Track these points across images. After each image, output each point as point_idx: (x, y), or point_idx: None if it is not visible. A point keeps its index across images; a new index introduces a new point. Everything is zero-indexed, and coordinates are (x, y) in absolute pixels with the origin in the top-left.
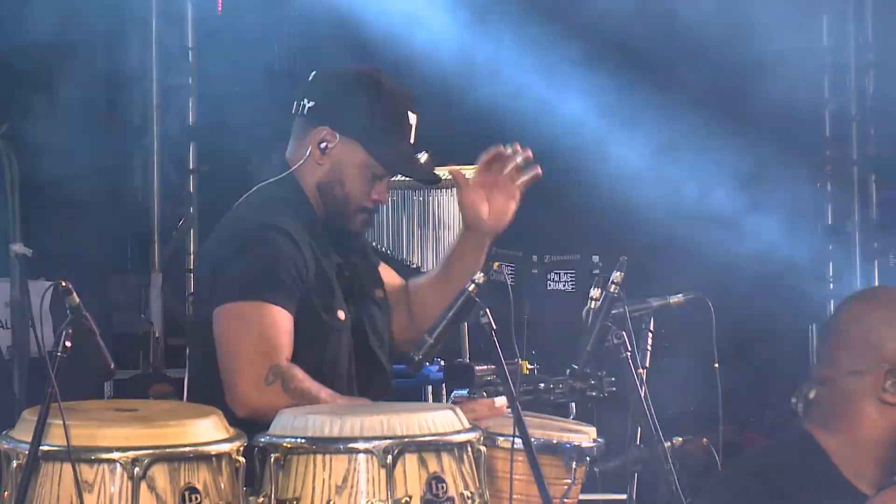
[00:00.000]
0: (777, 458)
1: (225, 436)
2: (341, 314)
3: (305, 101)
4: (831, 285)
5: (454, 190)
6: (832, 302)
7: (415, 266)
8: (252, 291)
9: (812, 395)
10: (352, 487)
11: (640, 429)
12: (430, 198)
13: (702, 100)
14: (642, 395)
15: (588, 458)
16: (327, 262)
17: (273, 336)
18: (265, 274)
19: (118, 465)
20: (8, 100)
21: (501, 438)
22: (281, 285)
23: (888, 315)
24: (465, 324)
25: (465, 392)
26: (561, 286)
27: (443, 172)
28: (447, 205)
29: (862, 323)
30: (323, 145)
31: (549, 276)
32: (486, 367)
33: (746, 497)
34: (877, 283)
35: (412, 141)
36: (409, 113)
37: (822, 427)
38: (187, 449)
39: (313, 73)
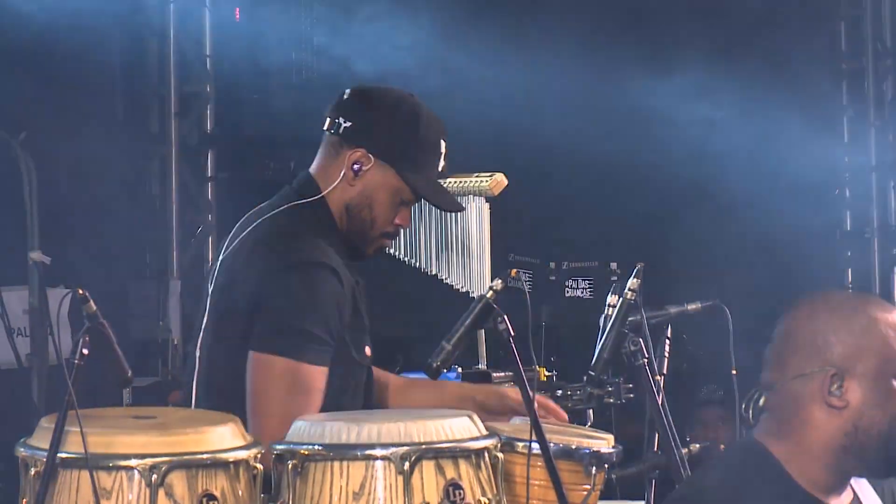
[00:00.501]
0: (729, 471)
1: (242, 443)
2: (368, 350)
3: (341, 119)
4: (850, 292)
5: (473, 197)
6: None
7: (433, 274)
8: (291, 348)
9: (761, 401)
10: (369, 494)
11: (657, 435)
12: None
13: (722, 107)
14: (660, 402)
15: (606, 464)
16: (359, 293)
17: (303, 401)
18: (308, 326)
19: (136, 472)
20: (27, 108)
21: (520, 444)
22: (321, 339)
23: (835, 319)
24: (483, 331)
25: None
26: (579, 293)
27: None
28: (468, 212)
29: (808, 326)
30: (357, 167)
31: (566, 283)
32: (503, 373)
33: None
34: None
35: (440, 169)
36: (442, 141)
37: (772, 434)
38: (205, 456)
39: (348, 90)
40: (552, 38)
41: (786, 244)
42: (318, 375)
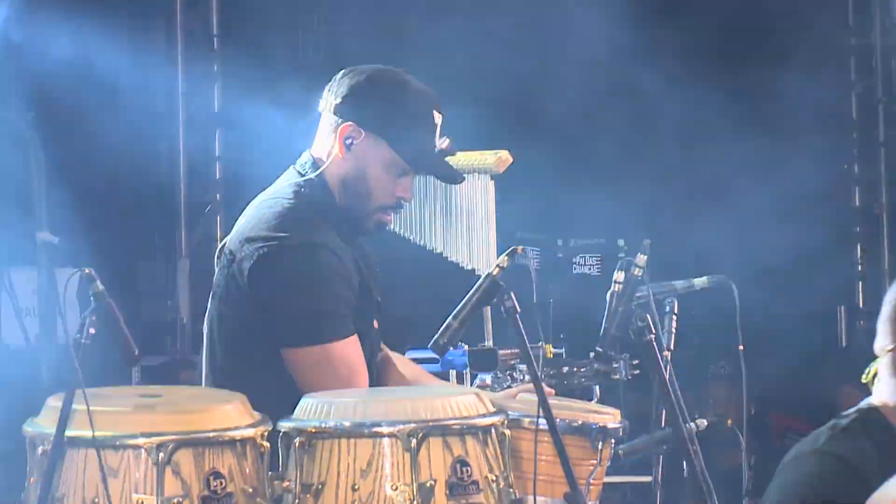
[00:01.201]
0: (846, 434)
1: (249, 421)
2: (376, 323)
3: (332, 96)
4: (859, 267)
5: (478, 175)
6: (860, 284)
7: (439, 252)
8: (317, 333)
9: (872, 369)
10: (376, 471)
11: (664, 411)
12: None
13: (729, 83)
14: (666, 377)
15: (613, 439)
16: (367, 267)
17: (350, 375)
18: (322, 305)
19: (143, 450)
20: (34, 88)
21: (527, 420)
22: (338, 312)
23: None
24: (489, 308)
25: (489, 376)
26: (586, 270)
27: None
28: (471, 189)
29: (889, 301)
30: (349, 141)
31: (574, 260)
32: (510, 350)
33: (820, 476)
34: None
35: (439, 142)
36: (435, 112)
37: (882, 401)
38: (212, 434)
39: (341, 71)
40: (562, 12)
41: (793, 220)
42: (352, 347)
